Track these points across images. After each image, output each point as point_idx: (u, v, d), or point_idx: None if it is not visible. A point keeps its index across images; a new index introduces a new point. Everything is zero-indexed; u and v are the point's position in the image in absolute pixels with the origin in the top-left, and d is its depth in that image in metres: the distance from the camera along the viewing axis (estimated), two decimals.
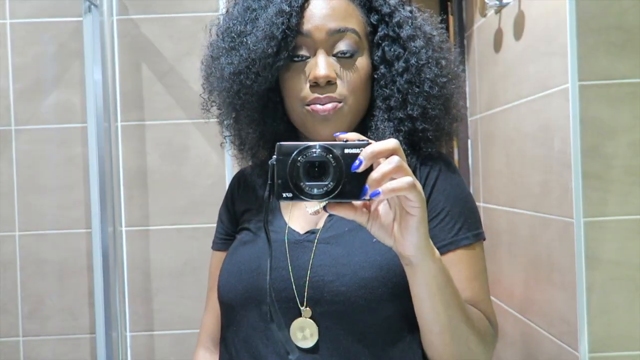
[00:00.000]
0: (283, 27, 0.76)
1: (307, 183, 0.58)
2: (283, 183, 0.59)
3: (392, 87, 0.80)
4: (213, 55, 0.82)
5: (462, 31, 1.86)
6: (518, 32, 1.36)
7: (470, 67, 1.78)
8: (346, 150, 0.58)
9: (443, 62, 0.82)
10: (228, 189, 0.94)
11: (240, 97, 0.80)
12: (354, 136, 0.60)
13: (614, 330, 1.02)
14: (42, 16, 1.45)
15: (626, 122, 1.02)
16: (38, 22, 1.45)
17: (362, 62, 0.80)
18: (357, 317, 0.73)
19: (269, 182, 0.62)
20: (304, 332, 0.73)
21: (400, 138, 0.79)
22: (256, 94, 0.80)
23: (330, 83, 0.77)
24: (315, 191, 0.58)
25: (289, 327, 0.73)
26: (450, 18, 1.94)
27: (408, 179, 0.57)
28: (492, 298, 1.07)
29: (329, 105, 0.77)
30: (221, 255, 0.88)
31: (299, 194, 0.58)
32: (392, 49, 0.80)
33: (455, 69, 0.84)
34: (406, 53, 0.79)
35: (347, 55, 0.78)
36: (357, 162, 0.58)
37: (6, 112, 1.45)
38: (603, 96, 1.03)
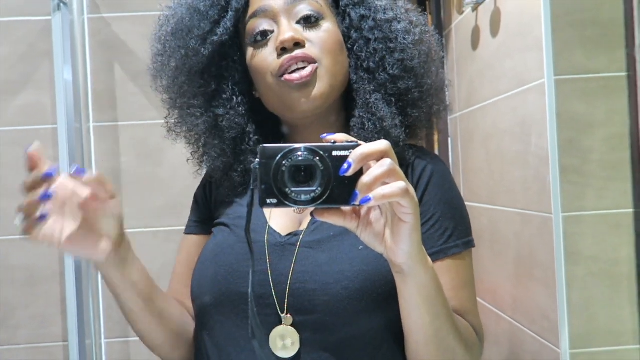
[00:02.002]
0: (212, 3, 0.76)
1: (293, 189, 0.55)
2: (267, 189, 0.55)
3: (367, 49, 0.77)
4: (157, 45, 0.82)
5: (441, 29, 1.86)
6: (494, 29, 1.35)
7: (449, 65, 1.78)
8: (334, 153, 0.55)
9: (413, 19, 0.80)
10: (206, 174, 0.90)
11: (179, 80, 0.78)
12: (342, 137, 0.57)
13: (594, 326, 1.02)
14: (9, 15, 1.41)
15: (602, 117, 1.02)
16: (6, 21, 1.41)
17: (329, 27, 0.77)
18: (340, 327, 0.70)
19: (251, 187, 0.59)
20: (285, 340, 0.70)
21: (394, 110, 0.76)
22: (197, 77, 0.78)
23: (298, 45, 0.74)
24: (302, 197, 0.55)
25: (269, 334, 0.70)
26: (429, 17, 1.94)
27: (401, 184, 0.54)
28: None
29: (306, 71, 0.73)
30: (193, 240, 0.85)
31: (284, 200, 0.55)
32: (357, 12, 0.78)
33: (428, 29, 0.82)
34: (372, 12, 0.78)
35: (312, 20, 0.76)
36: (345, 165, 0.54)
37: None
38: (579, 90, 1.03)
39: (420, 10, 0.84)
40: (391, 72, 0.76)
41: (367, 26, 0.77)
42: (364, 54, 0.78)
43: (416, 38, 0.78)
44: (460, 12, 1.54)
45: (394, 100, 0.77)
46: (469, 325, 0.75)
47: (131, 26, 1.43)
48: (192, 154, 0.85)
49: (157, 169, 1.44)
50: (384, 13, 0.77)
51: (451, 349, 0.67)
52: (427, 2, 1.98)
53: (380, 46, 0.77)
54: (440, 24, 1.85)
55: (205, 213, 0.87)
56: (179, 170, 1.43)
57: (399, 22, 0.78)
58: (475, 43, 1.50)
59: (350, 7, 0.79)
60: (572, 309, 1.03)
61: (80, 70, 1.40)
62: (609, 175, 1.01)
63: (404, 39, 0.77)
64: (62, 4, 1.34)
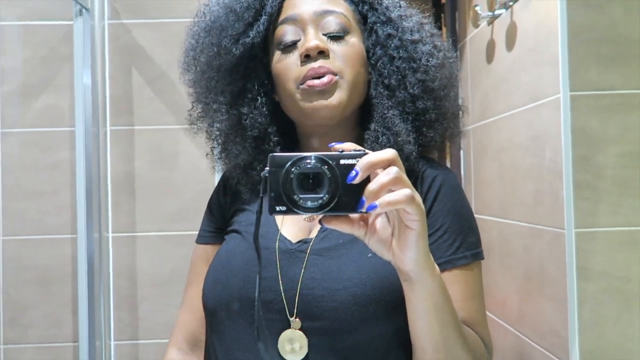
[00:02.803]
0: (248, 6, 0.78)
1: (301, 196, 0.56)
2: (276, 196, 0.56)
3: (391, 67, 0.79)
4: (187, 46, 0.84)
5: (456, 42, 1.86)
6: (510, 43, 1.36)
7: (463, 77, 1.78)
8: (342, 161, 0.56)
9: (438, 43, 0.82)
10: (219, 183, 0.91)
11: (208, 76, 0.80)
12: (349, 146, 0.58)
13: (605, 343, 1.01)
14: (33, 19, 1.44)
15: (616, 133, 1.02)
16: (29, 25, 1.44)
17: (355, 42, 0.79)
18: (348, 334, 0.70)
19: (260, 195, 0.60)
20: (293, 344, 0.70)
21: (410, 127, 0.78)
22: (226, 75, 0.79)
23: (322, 55, 0.76)
24: (310, 204, 0.56)
25: (278, 338, 0.71)
26: (444, 29, 1.95)
27: (407, 191, 0.55)
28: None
29: (326, 79, 0.75)
30: (206, 249, 0.86)
31: (293, 207, 0.56)
32: (384, 30, 0.80)
33: (450, 55, 0.84)
34: (399, 32, 0.79)
35: (338, 34, 0.77)
36: (353, 173, 0.55)
37: None
38: (594, 107, 1.03)
39: (436, 23, 0.86)
40: (411, 91, 0.78)
41: (392, 45, 0.79)
42: (386, 71, 0.79)
43: (439, 62, 0.80)
44: (476, 26, 1.55)
45: (410, 118, 0.79)
46: (477, 336, 0.75)
47: (150, 32, 1.45)
48: (211, 149, 0.87)
49: (170, 173, 1.46)
50: (411, 34, 0.79)
51: (458, 359, 0.67)
52: (443, 15, 1.99)
53: (404, 65, 0.79)
54: (456, 37, 1.86)
55: (220, 221, 0.88)
56: (192, 175, 1.45)
57: (424, 44, 0.80)
58: (490, 56, 1.51)
59: (378, 24, 0.81)
60: (583, 326, 1.02)
61: (99, 74, 1.42)
62: (623, 192, 1.01)
63: (427, 61, 0.79)
64: (84, 10, 1.37)
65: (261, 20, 0.79)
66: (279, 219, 0.80)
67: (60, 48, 1.44)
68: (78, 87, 1.37)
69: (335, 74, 0.76)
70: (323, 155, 0.56)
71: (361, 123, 0.83)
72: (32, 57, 1.44)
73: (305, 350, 0.70)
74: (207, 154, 0.87)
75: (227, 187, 0.89)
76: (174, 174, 1.45)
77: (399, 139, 0.77)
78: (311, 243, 0.75)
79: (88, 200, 1.36)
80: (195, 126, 0.86)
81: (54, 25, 1.44)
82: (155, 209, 1.45)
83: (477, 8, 1.49)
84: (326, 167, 0.56)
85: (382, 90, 0.79)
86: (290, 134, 0.85)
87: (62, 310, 1.43)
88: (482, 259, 0.79)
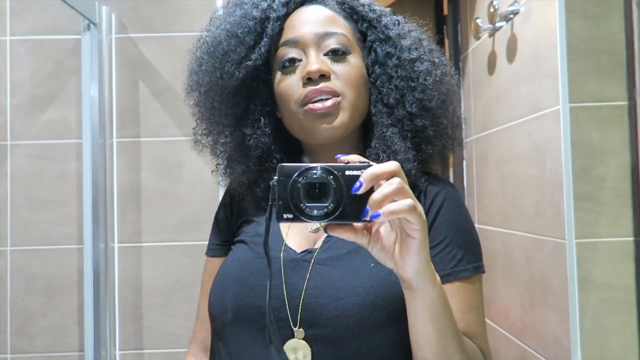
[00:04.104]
0: (249, 30, 0.78)
1: (308, 204, 0.58)
2: (284, 204, 0.58)
3: (389, 85, 0.80)
4: (190, 69, 0.85)
5: (458, 54, 1.88)
6: (511, 55, 1.37)
7: (465, 89, 1.80)
8: (347, 172, 0.58)
9: (436, 60, 0.83)
10: (225, 196, 0.93)
11: (212, 99, 0.81)
12: (355, 158, 0.60)
13: (607, 353, 1.01)
14: (41, 33, 1.47)
15: (616, 145, 1.03)
16: (37, 39, 1.47)
17: (355, 61, 0.80)
18: (350, 342, 0.71)
19: (269, 202, 0.61)
20: (297, 353, 0.71)
21: (409, 145, 0.79)
22: (229, 98, 0.81)
23: (324, 77, 0.77)
24: (316, 212, 0.58)
25: (282, 347, 0.71)
26: (447, 41, 1.97)
27: (409, 201, 0.57)
28: (487, 321, 1.06)
29: (329, 102, 0.76)
30: (216, 262, 0.87)
31: (300, 215, 0.58)
32: (383, 49, 0.81)
33: (448, 70, 0.85)
34: (397, 50, 0.81)
35: (339, 53, 0.79)
36: (357, 184, 0.57)
37: (3, 127, 1.46)
38: (593, 118, 1.04)
39: (438, 35, 0.87)
40: (409, 109, 0.80)
41: (391, 63, 0.81)
42: (385, 89, 0.81)
43: (437, 79, 0.81)
44: (477, 38, 1.56)
45: (409, 135, 0.80)
46: (477, 347, 0.76)
47: (156, 46, 1.48)
48: (216, 166, 0.89)
49: (175, 184, 1.47)
50: (409, 52, 0.81)
51: None
52: (445, 27, 2.01)
53: (402, 84, 0.80)
54: (457, 49, 1.88)
55: (227, 234, 0.90)
56: (197, 186, 1.46)
57: (422, 62, 0.81)
58: (491, 68, 1.52)
59: (377, 43, 0.82)
60: (585, 336, 1.02)
61: (106, 87, 1.45)
62: (623, 203, 1.01)
63: (425, 79, 0.80)
64: (91, 24, 1.39)
65: (262, 43, 0.80)
66: (284, 230, 0.81)
67: (68, 61, 1.46)
68: (85, 99, 1.39)
69: (337, 95, 0.77)
70: (329, 166, 0.59)
71: (364, 138, 0.84)
72: (40, 70, 1.47)
73: (309, 359, 0.71)
74: (212, 171, 0.89)
75: (233, 200, 0.91)
76: (179, 185, 1.47)
77: (398, 157, 0.78)
78: (315, 253, 0.76)
79: (94, 210, 1.38)
80: (200, 144, 0.88)
81: (62, 40, 1.47)
82: (160, 219, 1.47)
83: (478, 20, 1.50)
84: (332, 177, 0.58)
85: (381, 108, 0.81)
86: (294, 148, 0.87)
87: (67, 320, 1.44)
88: (483, 272, 0.80)
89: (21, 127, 1.46)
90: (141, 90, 1.48)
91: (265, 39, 0.80)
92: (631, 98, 1.00)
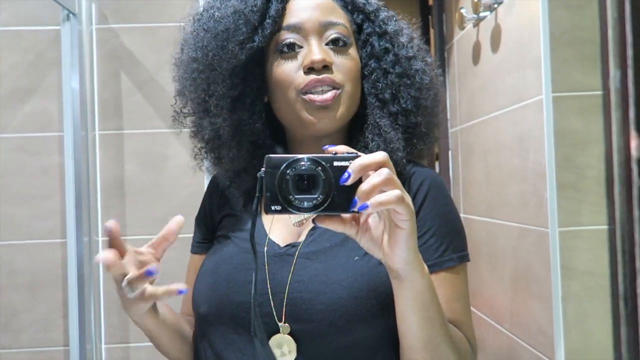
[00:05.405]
0: (255, 8, 0.76)
1: (296, 196, 0.58)
2: (272, 196, 0.58)
3: (384, 81, 0.80)
4: (185, 45, 0.81)
5: (443, 44, 1.88)
6: (495, 45, 1.38)
7: (450, 79, 1.80)
8: (335, 163, 0.58)
9: (428, 59, 0.84)
10: (206, 192, 0.92)
11: (209, 79, 0.78)
12: (342, 149, 0.59)
13: (590, 340, 1.03)
14: (20, 24, 1.44)
15: (597, 133, 1.04)
16: (16, 30, 1.44)
17: (354, 53, 0.80)
18: (336, 335, 0.71)
19: (257, 194, 0.61)
20: (282, 348, 0.71)
21: (399, 136, 0.79)
22: (227, 79, 0.78)
23: (326, 68, 0.76)
24: (305, 204, 0.58)
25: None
26: (432, 31, 1.97)
27: (397, 192, 0.56)
28: (473, 309, 1.07)
29: (329, 95, 0.76)
30: (199, 259, 0.87)
31: (288, 207, 0.58)
32: (380, 43, 0.81)
33: (435, 70, 0.86)
34: (395, 47, 0.80)
35: (340, 44, 0.78)
36: (345, 174, 0.57)
37: None
38: (576, 108, 1.04)
39: (423, 25, 0.87)
40: (404, 105, 0.80)
41: (388, 59, 0.80)
42: (380, 84, 0.80)
43: (431, 79, 0.82)
44: (462, 28, 1.56)
45: (401, 129, 0.81)
46: (463, 335, 0.76)
47: (138, 37, 1.45)
48: (199, 149, 0.85)
49: (159, 177, 1.46)
50: (406, 50, 0.81)
51: (444, 357, 0.68)
52: (430, 17, 2.01)
53: (397, 80, 0.80)
54: (442, 39, 1.88)
55: (207, 233, 0.89)
56: (181, 179, 1.45)
57: (417, 61, 0.81)
58: (476, 58, 1.52)
59: (374, 37, 0.82)
60: (568, 324, 1.04)
61: (87, 79, 1.42)
62: (604, 191, 1.02)
63: (421, 78, 0.80)
64: (71, 15, 1.37)
65: (265, 24, 0.78)
66: (267, 224, 0.80)
67: (48, 53, 1.44)
68: (66, 91, 1.37)
69: (337, 87, 0.77)
70: (317, 157, 0.58)
71: (351, 130, 0.84)
72: (19, 62, 1.44)
73: (294, 354, 0.71)
74: (195, 155, 0.86)
75: (215, 193, 0.89)
76: (163, 177, 1.46)
77: (390, 146, 0.78)
78: (299, 247, 0.76)
79: (77, 204, 1.36)
80: (181, 124, 0.85)
81: (42, 31, 1.44)
82: (145, 212, 1.45)
83: (462, 10, 1.50)
84: (320, 168, 0.58)
85: (374, 101, 0.81)
86: (280, 137, 0.86)
87: (52, 315, 1.43)
88: (468, 260, 0.80)
89: (1, 120, 1.44)
90: (123, 82, 1.46)
91: (268, 20, 0.78)
92: (605, 87, 1.01)
